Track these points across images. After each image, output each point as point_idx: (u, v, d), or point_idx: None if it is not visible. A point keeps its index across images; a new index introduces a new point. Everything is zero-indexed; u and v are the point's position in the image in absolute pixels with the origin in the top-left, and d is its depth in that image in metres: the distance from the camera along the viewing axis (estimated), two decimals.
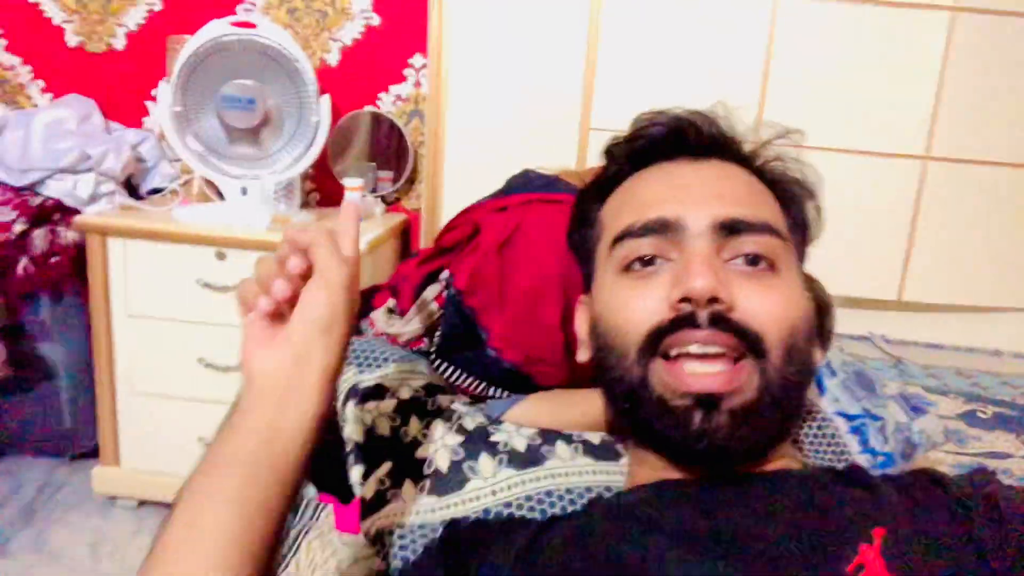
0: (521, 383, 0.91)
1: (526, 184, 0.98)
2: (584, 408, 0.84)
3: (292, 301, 0.58)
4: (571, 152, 1.92)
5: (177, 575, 0.49)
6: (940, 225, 1.88)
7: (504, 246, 0.90)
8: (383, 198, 2.10)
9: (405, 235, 2.12)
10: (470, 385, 0.93)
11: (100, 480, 1.85)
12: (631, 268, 0.61)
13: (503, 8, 1.88)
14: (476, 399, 0.93)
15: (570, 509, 0.75)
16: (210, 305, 1.72)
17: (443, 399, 0.88)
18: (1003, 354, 1.94)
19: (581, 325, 0.71)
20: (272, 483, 0.53)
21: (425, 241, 2.03)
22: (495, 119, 1.92)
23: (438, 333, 0.95)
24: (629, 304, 0.60)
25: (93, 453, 1.91)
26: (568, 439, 0.82)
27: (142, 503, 1.87)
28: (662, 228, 0.60)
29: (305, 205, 2.10)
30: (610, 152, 0.72)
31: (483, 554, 0.62)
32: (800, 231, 0.67)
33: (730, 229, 0.59)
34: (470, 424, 0.83)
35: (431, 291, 0.98)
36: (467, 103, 1.94)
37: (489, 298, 0.89)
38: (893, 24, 1.77)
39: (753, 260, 0.59)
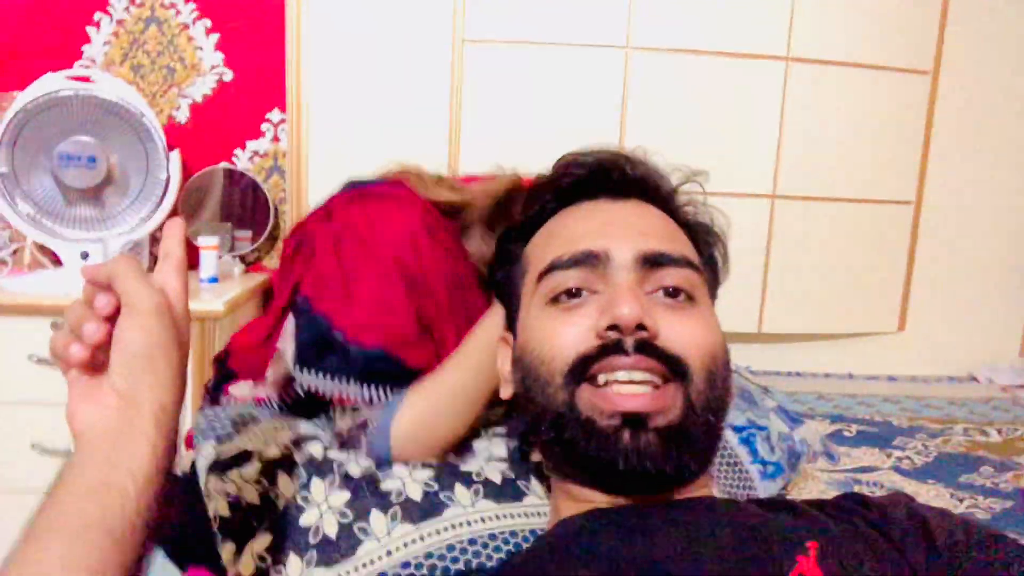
0: (396, 372, 0.86)
1: (349, 185, 1.01)
2: (466, 362, 0.80)
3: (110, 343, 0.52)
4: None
5: None
6: (790, 259, 2.00)
7: (336, 245, 0.91)
8: (242, 258, 1.99)
9: (268, 294, 2.01)
10: (343, 392, 0.87)
11: None
12: (558, 300, 0.62)
13: (365, 59, 1.86)
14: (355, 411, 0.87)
15: (475, 562, 0.71)
16: (44, 382, 1.54)
17: (314, 448, 0.81)
18: (856, 377, 2.07)
19: (503, 363, 0.70)
20: (107, 545, 0.46)
21: None
22: (361, 168, 1.88)
23: (294, 348, 0.91)
24: (556, 333, 0.60)
25: None
26: (467, 481, 0.76)
27: None
28: (589, 260, 0.61)
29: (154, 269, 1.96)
30: (534, 192, 0.74)
31: None
32: (711, 271, 0.71)
33: (653, 262, 0.61)
34: (356, 470, 0.77)
35: (282, 340, 0.94)
36: (330, 156, 1.89)
37: (335, 297, 0.89)
38: (737, 74, 1.89)
39: (673, 292, 0.61)
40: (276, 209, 1.99)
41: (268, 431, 0.84)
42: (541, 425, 0.61)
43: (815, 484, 1.22)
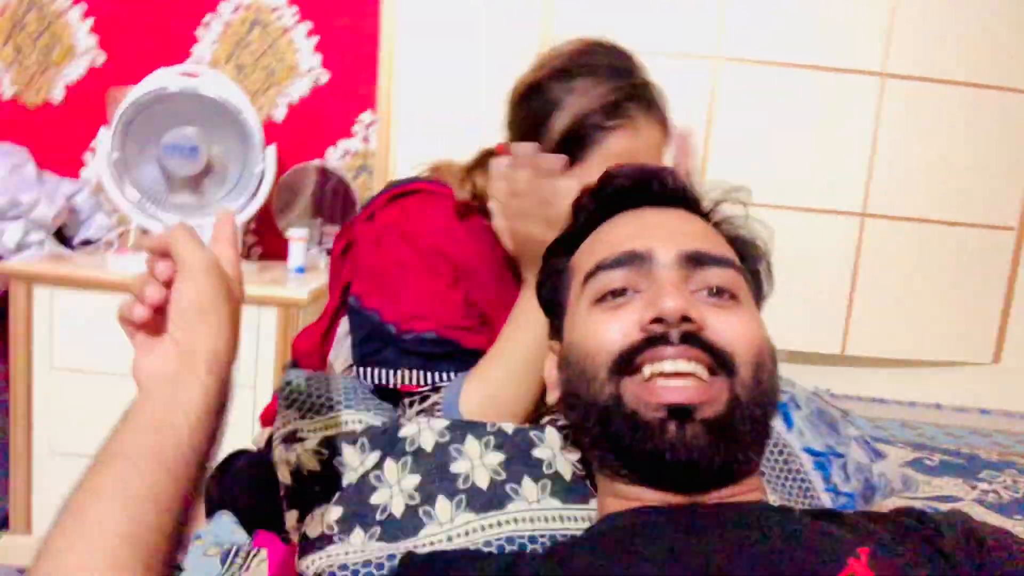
0: (453, 353, 0.89)
1: (386, 188, 1.03)
2: (522, 332, 0.84)
3: None
4: None
5: (63, 569, 0.47)
6: (878, 281, 1.93)
7: (379, 240, 0.94)
8: (328, 251, 2.06)
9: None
10: (406, 379, 0.89)
11: (8, 550, 1.69)
12: (603, 300, 0.63)
13: (452, 65, 1.90)
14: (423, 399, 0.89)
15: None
16: None
17: (375, 425, 0.84)
18: (944, 407, 1.98)
19: (550, 370, 0.71)
20: (161, 475, 0.51)
21: None
22: None
23: (348, 351, 0.94)
24: (601, 329, 0.61)
25: (2, 522, 1.76)
26: (537, 474, 0.76)
27: None
28: (633, 260, 0.62)
29: (246, 258, 2.05)
30: (577, 204, 0.74)
31: None
32: (754, 287, 0.70)
33: (696, 261, 0.61)
34: (428, 443, 0.78)
35: (343, 326, 0.97)
36: (416, 159, 1.93)
37: (383, 293, 0.90)
38: (828, 88, 1.85)
39: (718, 292, 0.61)
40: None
41: (351, 418, 0.87)
42: (587, 421, 0.62)
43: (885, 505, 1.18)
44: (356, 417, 0.87)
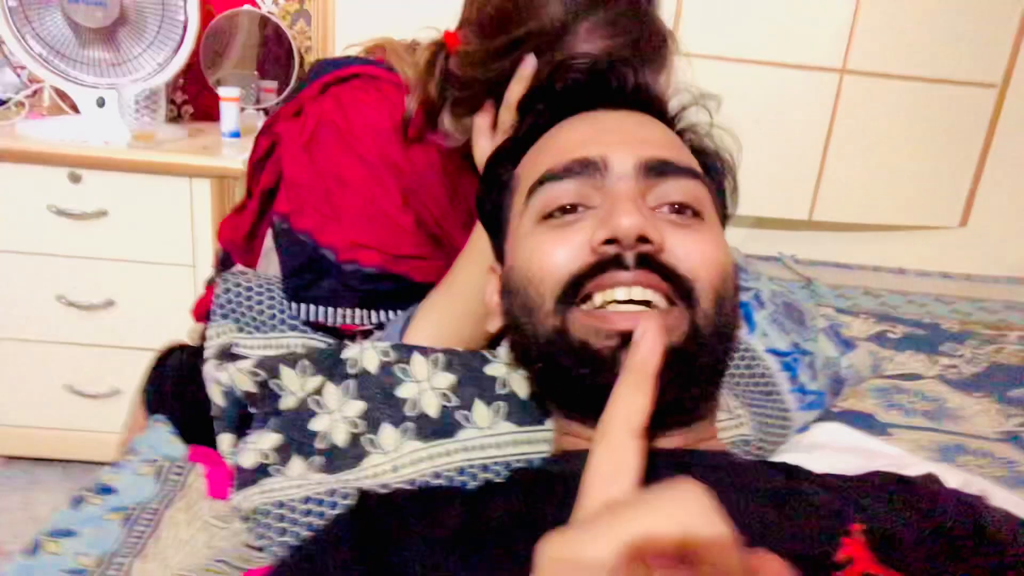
0: (401, 291, 0.79)
1: (316, 73, 0.85)
2: (475, 263, 0.73)
3: None
4: None
5: None
6: (853, 143, 1.85)
7: (309, 144, 0.78)
8: (266, 111, 1.89)
9: None
10: (347, 318, 0.79)
11: None
12: (550, 217, 0.55)
13: None
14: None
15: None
16: (66, 234, 1.51)
17: (317, 347, 0.76)
18: (907, 272, 1.96)
19: (490, 294, 0.64)
20: None
21: None
22: (392, 15, 1.73)
23: (280, 277, 0.81)
24: (546, 250, 0.54)
25: None
26: (489, 396, 0.70)
27: (9, 459, 1.68)
28: (584, 169, 0.54)
29: (177, 119, 1.88)
30: (524, 106, 0.66)
31: (407, 531, 0.53)
32: (719, 203, 0.63)
33: (656, 171, 0.54)
34: (372, 364, 0.70)
35: (269, 239, 0.85)
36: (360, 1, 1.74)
37: (318, 210, 0.77)
38: None
39: (680, 208, 0.54)
40: (302, 58, 1.86)
41: (287, 347, 0.79)
42: (531, 355, 0.56)
43: (854, 394, 1.16)
44: (299, 341, 0.79)
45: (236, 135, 1.66)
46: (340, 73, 0.81)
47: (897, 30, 1.76)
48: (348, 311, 0.77)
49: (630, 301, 0.50)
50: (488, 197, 0.66)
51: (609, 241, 0.51)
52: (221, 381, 0.74)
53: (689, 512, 0.28)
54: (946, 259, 1.98)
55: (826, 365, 0.95)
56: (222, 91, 1.65)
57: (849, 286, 1.81)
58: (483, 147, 0.75)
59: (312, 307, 0.78)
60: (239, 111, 1.69)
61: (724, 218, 0.64)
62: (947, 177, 1.93)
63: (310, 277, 0.77)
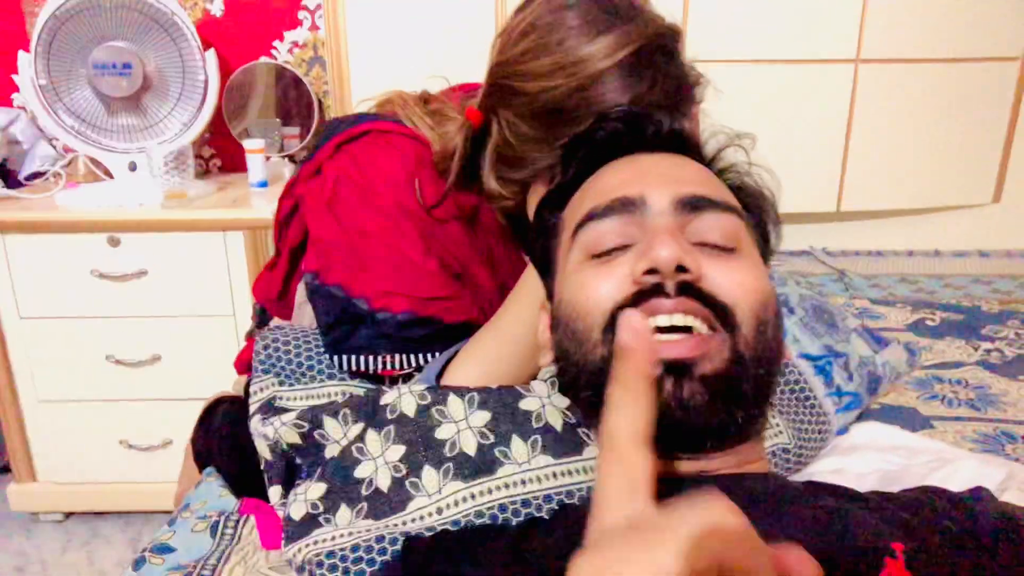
0: (435, 334, 0.81)
1: (331, 132, 0.89)
2: (521, 305, 0.74)
3: None
4: None
5: None
6: (874, 130, 1.83)
7: (331, 202, 0.81)
8: (291, 157, 1.94)
9: None
10: (387, 364, 0.82)
11: (17, 497, 1.70)
12: (595, 256, 0.57)
13: None
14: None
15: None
16: (108, 296, 1.57)
17: (356, 394, 0.78)
18: (942, 254, 1.93)
19: (542, 330, 0.66)
20: None
21: None
22: (404, 54, 1.77)
23: (315, 328, 0.84)
24: (591, 284, 0.56)
25: (5, 470, 1.76)
26: (526, 431, 0.72)
27: (68, 515, 1.75)
28: (625, 207, 0.57)
29: (206, 173, 1.93)
30: (567, 153, 0.68)
31: (458, 564, 0.55)
32: (760, 241, 0.64)
33: (693, 206, 0.56)
34: (410, 408, 0.73)
35: (300, 293, 0.88)
36: (371, 42, 1.78)
37: (347, 264, 0.80)
38: None
39: (717, 246, 0.56)
40: (321, 103, 1.91)
41: (334, 391, 0.82)
42: (579, 384, 0.57)
43: (893, 389, 1.15)
44: (339, 389, 0.82)
45: (264, 184, 1.71)
46: (353, 132, 0.84)
47: (908, 14, 1.75)
48: (387, 357, 0.80)
49: (672, 328, 0.51)
50: (538, 241, 0.68)
51: (650, 272, 0.52)
52: (267, 435, 0.76)
53: (723, 536, 0.28)
54: (982, 237, 1.95)
55: (861, 365, 0.95)
56: (247, 143, 1.70)
57: (884, 274, 1.79)
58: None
59: (352, 357, 0.80)
60: (265, 160, 1.74)
61: (767, 254, 0.64)
62: (976, 154, 1.90)
63: (347, 328, 0.80)
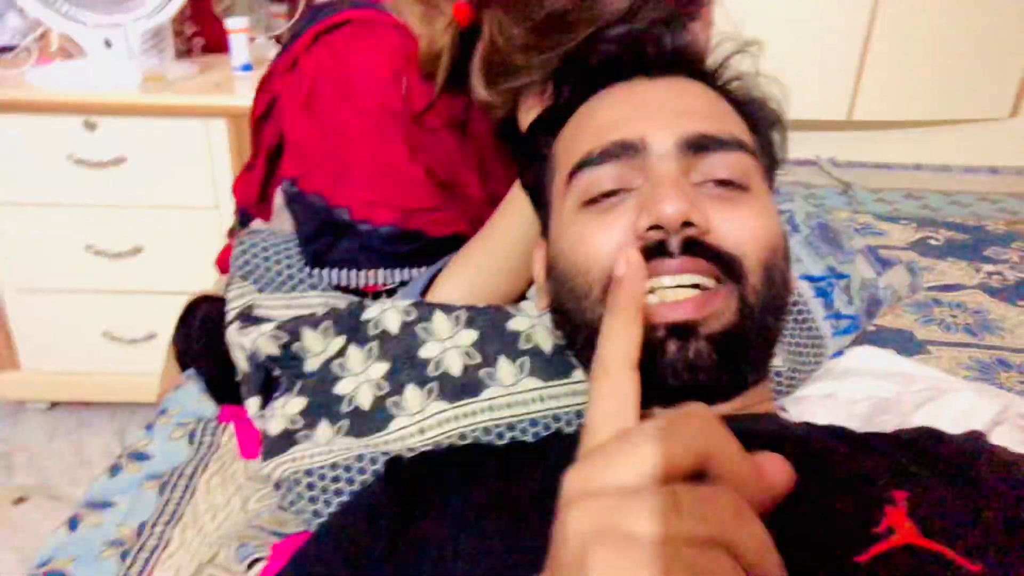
0: (421, 248, 0.77)
1: (309, 20, 0.81)
2: (505, 227, 0.71)
3: None
4: None
5: None
6: (895, 35, 1.73)
7: (309, 101, 0.75)
8: (277, 39, 1.83)
9: None
10: (371, 280, 0.78)
11: (2, 386, 1.70)
12: (593, 202, 0.55)
13: None
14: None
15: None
16: (86, 183, 1.51)
17: (338, 306, 0.75)
18: (952, 168, 1.88)
19: (538, 271, 0.64)
20: None
21: None
22: None
23: (296, 245, 0.80)
24: (590, 239, 0.54)
25: None
26: (513, 352, 0.69)
27: (54, 405, 1.75)
28: (623, 151, 0.54)
29: (188, 53, 1.83)
30: (559, 76, 0.65)
31: (444, 494, 0.54)
32: (768, 156, 0.62)
33: (698, 147, 0.53)
34: (393, 324, 0.70)
35: (279, 197, 0.82)
36: None
37: (326, 169, 0.74)
38: None
39: (725, 183, 0.53)
40: None
41: (308, 307, 0.78)
42: (577, 343, 0.56)
43: (890, 311, 1.12)
44: (320, 300, 0.78)
45: (248, 68, 1.62)
46: (332, 20, 0.76)
47: None
48: (370, 272, 0.76)
49: (678, 287, 0.50)
50: (529, 169, 0.66)
51: (653, 227, 0.50)
52: (244, 345, 0.74)
53: (701, 432, 0.30)
54: (995, 152, 1.89)
55: (863, 287, 0.92)
56: (230, 22, 1.60)
57: (890, 189, 1.74)
58: None
59: (334, 271, 0.77)
60: (249, 41, 1.63)
61: (773, 172, 0.62)
62: (995, 65, 1.82)
63: (327, 241, 0.76)
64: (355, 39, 0.75)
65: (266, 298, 0.79)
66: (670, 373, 0.49)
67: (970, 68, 1.80)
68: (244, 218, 0.96)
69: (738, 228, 0.51)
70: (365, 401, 0.68)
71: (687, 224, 0.50)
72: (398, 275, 0.76)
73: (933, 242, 1.46)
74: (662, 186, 0.51)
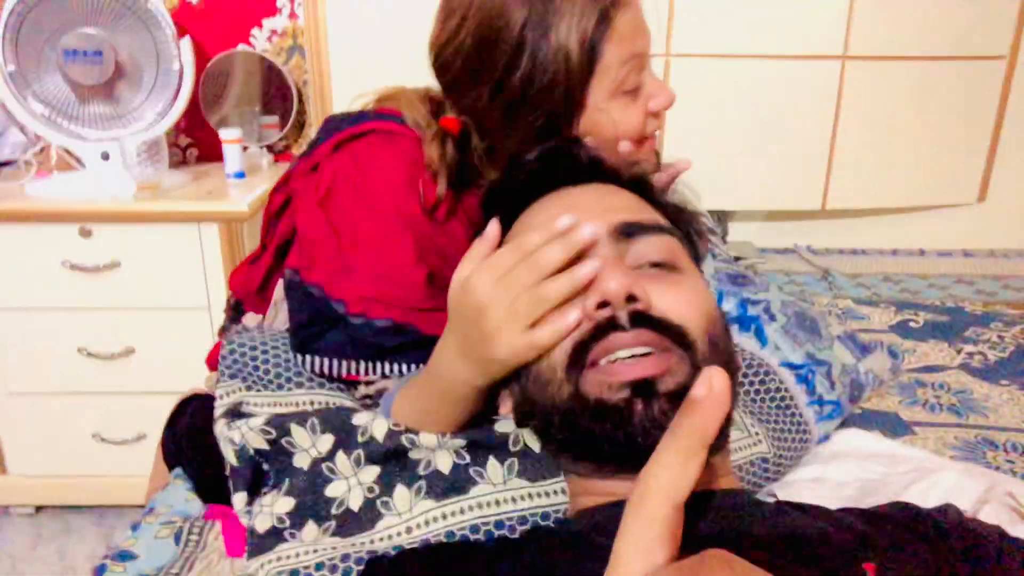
0: (410, 342, 0.77)
1: (330, 130, 0.85)
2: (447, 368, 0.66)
3: None
4: None
5: None
6: (860, 127, 1.81)
7: (325, 200, 0.78)
8: (269, 148, 1.90)
9: None
10: (353, 370, 0.78)
11: None
12: None
13: None
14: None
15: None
16: (80, 288, 1.53)
17: (325, 403, 0.76)
18: (927, 252, 1.93)
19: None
20: None
21: None
22: (384, 44, 1.74)
23: (285, 332, 0.81)
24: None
25: None
26: (502, 451, 0.69)
27: (39, 509, 1.71)
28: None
29: (183, 163, 1.89)
30: (487, 201, 0.70)
31: None
32: (691, 246, 0.66)
33: (628, 233, 0.58)
34: (381, 432, 0.70)
35: (279, 290, 0.85)
36: (350, 30, 1.74)
37: (330, 264, 0.76)
38: None
39: (658, 264, 0.58)
40: (299, 92, 1.87)
41: (296, 404, 0.79)
42: (551, 426, 0.57)
43: (876, 393, 1.14)
44: (307, 398, 0.79)
45: (241, 175, 1.67)
46: (355, 130, 0.81)
47: (896, 10, 1.73)
48: (354, 362, 0.77)
49: (633, 356, 0.52)
50: None
51: (601, 304, 0.53)
52: (234, 440, 0.74)
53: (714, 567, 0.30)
54: (966, 237, 1.95)
55: (843, 373, 0.94)
56: (223, 133, 1.67)
57: (868, 273, 1.78)
58: None
59: (319, 359, 0.77)
60: (242, 150, 1.70)
61: (698, 260, 0.66)
62: (961, 153, 1.89)
63: (317, 329, 0.77)
64: (376, 147, 0.79)
65: (254, 396, 0.80)
66: (640, 434, 0.50)
67: (936, 157, 1.88)
68: (236, 312, 0.98)
69: (677, 302, 0.54)
70: (355, 503, 0.68)
71: (631, 299, 0.53)
72: (379, 368, 0.77)
73: (913, 324, 1.48)
74: (604, 267, 0.54)
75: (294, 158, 0.86)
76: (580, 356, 0.54)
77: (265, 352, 0.83)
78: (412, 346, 0.76)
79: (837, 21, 1.72)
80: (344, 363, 0.76)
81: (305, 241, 0.78)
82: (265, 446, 0.72)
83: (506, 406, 0.64)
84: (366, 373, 0.77)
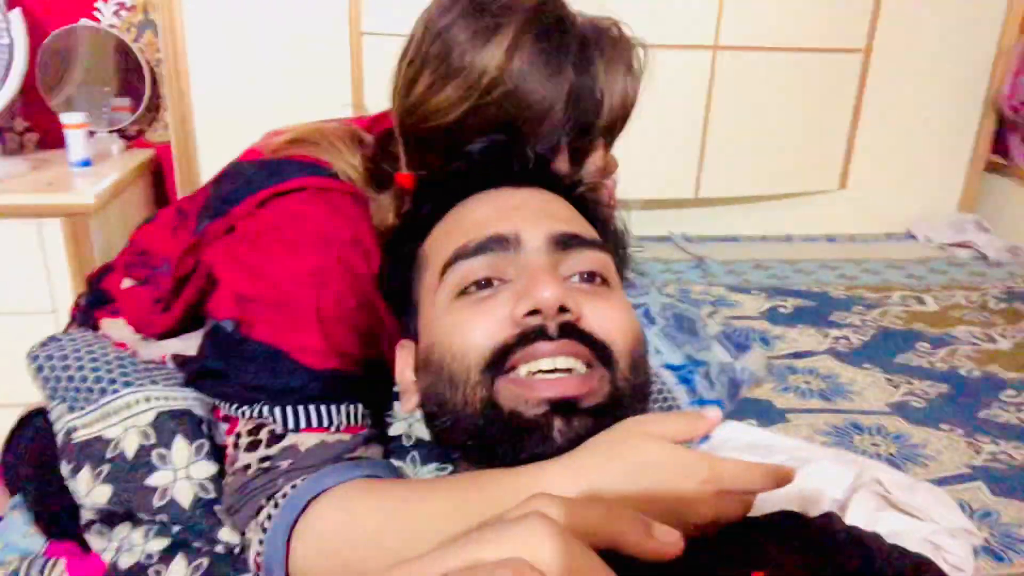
0: (345, 388, 0.68)
1: (247, 185, 0.75)
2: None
3: None
4: (343, 59, 1.67)
5: None
6: (732, 117, 1.86)
7: (251, 257, 0.70)
8: (121, 132, 1.75)
9: (158, 175, 1.79)
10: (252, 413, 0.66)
11: None
12: (466, 292, 0.57)
13: None
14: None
15: None
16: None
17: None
18: (793, 238, 2.01)
19: (402, 371, 0.62)
20: None
21: (181, 179, 1.72)
22: (248, 24, 1.63)
23: (98, 341, 0.74)
24: (468, 325, 0.55)
25: None
26: (400, 453, 0.66)
27: None
28: (498, 245, 0.57)
29: (20, 150, 1.71)
30: (426, 186, 0.67)
31: None
32: (616, 253, 0.66)
33: (565, 244, 0.57)
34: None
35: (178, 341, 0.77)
36: (208, 3, 1.62)
37: (275, 320, 0.67)
38: None
39: (589, 277, 0.58)
40: (154, 72, 1.72)
41: (133, 404, 0.71)
42: (457, 433, 0.55)
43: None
44: (135, 397, 0.71)
45: (87, 164, 1.52)
46: (281, 188, 0.71)
47: (764, 3, 1.78)
48: (261, 406, 0.65)
49: (554, 370, 0.52)
50: (394, 275, 0.65)
51: (532, 312, 0.52)
52: (78, 492, 0.67)
53: (528, 544, 0.29)
54: (830, 222, 2.05)
55: (722, 371, 0.95)
56: (64, 117, 1.51)
57: (739, 260, 1.84)
58: None
59: (226, 405, 0.67)
60: (88, 136, 1.54)
61: (623, 279, 0.66)
62: (824, 142, 1.98)
63: (233, 376, 0.66)
64: (309, 205, 0.70)
65: (79, 417, 0.72)
66: (564, 450, 0.50)
67: (801, 146, 1.96)
68: (85, 317, 0.87)
69: (605, 318, 0.54)
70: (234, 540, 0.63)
71: (563, 310, 0.52)
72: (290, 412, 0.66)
73: (783, 310, 1.54)
74: (538, 275, 0.53)
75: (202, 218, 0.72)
76: (500, 361, 0.52)
77: (79, 358, 0.74)
78: (346, 391, 0.67)
79: (708, 12, 1.75)
80: (250, 409, 0.65)
81: (241, 299, 0.68)
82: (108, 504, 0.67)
83: (408, 404, 0.61)
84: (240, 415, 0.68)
